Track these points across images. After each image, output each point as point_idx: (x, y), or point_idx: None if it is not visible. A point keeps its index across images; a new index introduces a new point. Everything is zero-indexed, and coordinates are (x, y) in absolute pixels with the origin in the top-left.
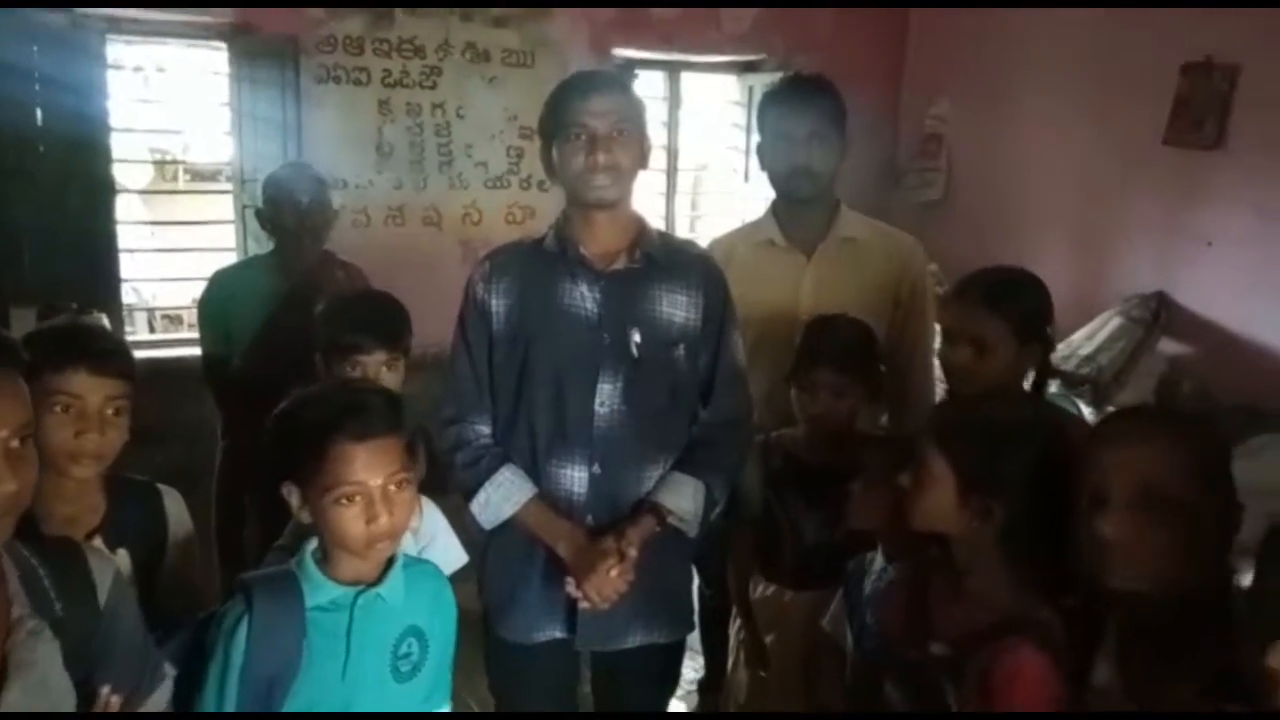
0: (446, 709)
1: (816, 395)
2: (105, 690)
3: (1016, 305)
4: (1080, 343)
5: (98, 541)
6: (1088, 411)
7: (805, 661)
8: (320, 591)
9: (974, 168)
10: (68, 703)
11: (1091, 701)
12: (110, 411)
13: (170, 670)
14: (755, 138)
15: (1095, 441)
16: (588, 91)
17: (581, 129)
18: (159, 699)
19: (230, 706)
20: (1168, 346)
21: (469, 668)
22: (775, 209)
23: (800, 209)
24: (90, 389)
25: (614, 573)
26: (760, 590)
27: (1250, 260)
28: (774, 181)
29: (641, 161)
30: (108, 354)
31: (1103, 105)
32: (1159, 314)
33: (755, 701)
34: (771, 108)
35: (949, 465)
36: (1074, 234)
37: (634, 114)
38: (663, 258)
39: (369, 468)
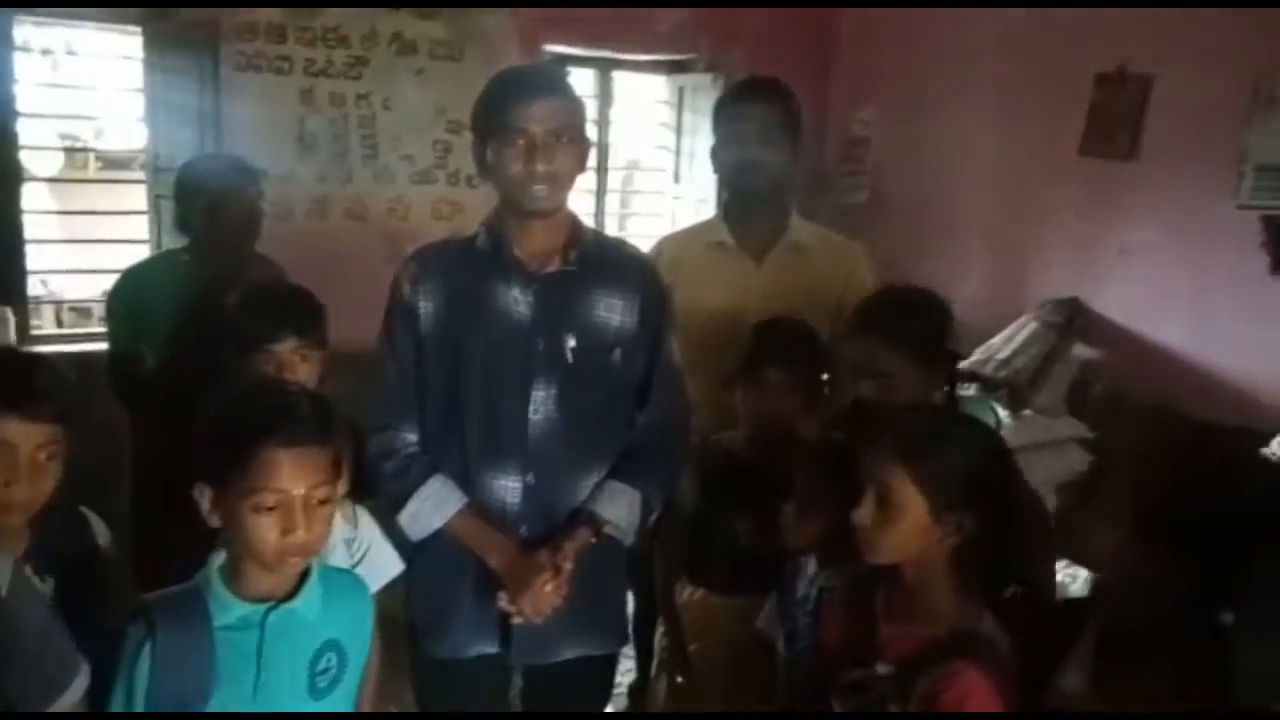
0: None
1: (763, 392)
2: None
3: (915, 333)
4: (998, 346)
5: (27, 570)
6: (1005, 414)
7: (730, 668)
8: (228, 610)
9: (898, 173)
10: None
11: (1058, 704)
12: (43, 457)
13: (84, 666)
14: (686, 139)
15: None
16: (530, 93)
17: (521, 134)
18: (70, 697)
19: None
20: (1081, 351)
21: (395, 675)
22: (727, 211)
23: (752, 212)
24: (20, 437)
25: (549, 587)
26: (687, 594)
27: (1160, 269)
28: (724, 179)
29: (581, 165)
30: (39, 396)
31: (1023, 113)
32: (1073, 319)
33: (674, 707)
34: (725, 107)
35: (920, 489)
36: (994, 240)
37: (576, 118)
38: (597, 259)
39: (293, 476)
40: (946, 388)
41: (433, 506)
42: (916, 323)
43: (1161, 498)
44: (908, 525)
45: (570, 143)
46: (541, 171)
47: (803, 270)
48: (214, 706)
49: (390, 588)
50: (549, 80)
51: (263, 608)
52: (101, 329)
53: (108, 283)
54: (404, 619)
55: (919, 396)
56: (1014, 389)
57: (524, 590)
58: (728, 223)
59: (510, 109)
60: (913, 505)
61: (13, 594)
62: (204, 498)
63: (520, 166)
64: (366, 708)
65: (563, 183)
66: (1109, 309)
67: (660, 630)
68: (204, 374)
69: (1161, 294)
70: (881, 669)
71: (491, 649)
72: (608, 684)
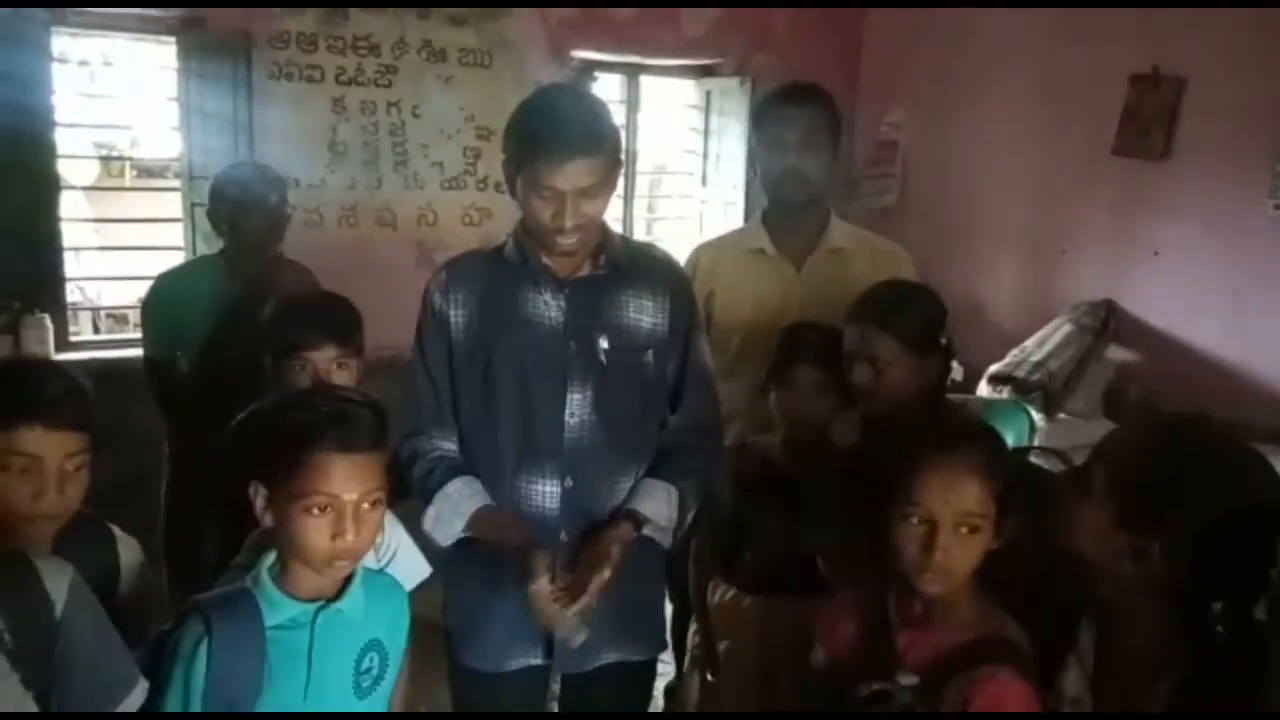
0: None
1: (796, 394)
2: None
3: (907, 321)
4: (1031, 349)
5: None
6: (1039, 418)
7: (760, 669)
8: (279, 610)
9: (928, 175)
10: (16, 703)
11: (1063, 709)
12: (71, 468)
13: (141, 678)
14: (713, 141)
15: None
16: (564, 153)
17: (551, 190)
18: (128, 708)
19: None
20: (1116, 353)
21: (430, 680)
22: (766, 217)
23: (791, 217)
24: (46, 447)
25: (573, 610)
26: (720, 595)
27: (1195, 269)
28: (766, 186)
29: (610, 196)
30: (63, 404)
31: (1055, 114)
32: (1108, 321)
33: (705, 708)
34: (766, 112)
35: (995, 503)
36: (1026, 241)
37: (611, 169)
38: (627, 263)
39: (347, 482)
40: (935, 385)
41: (451, 509)
42: (910, 310)
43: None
44: (983, 543)
45: (601, 190)
46: (570, 226)
47: (842, 274)
48: (265, 706)
49: (428, 595)
50: (585, 137)
51: (313, 607)
52: (138, 335)
53: (143, 289)
54: (443, 627)
55: (910, 385)
56: (1048, 392)
57: (561, 607)
58: (767, 228)
59: (543, 165)
60: (988, 521)
61: (71, 604)
62: (258, 496)
63: (548, 217)
64: (397, 709)
65: (591, 226)
66: (1144, 310)
67: (693, 629)
68: (239, 380)
69: (1197, 294)
70: (904, 679)
71: (530, 659)
72: (647, 690)
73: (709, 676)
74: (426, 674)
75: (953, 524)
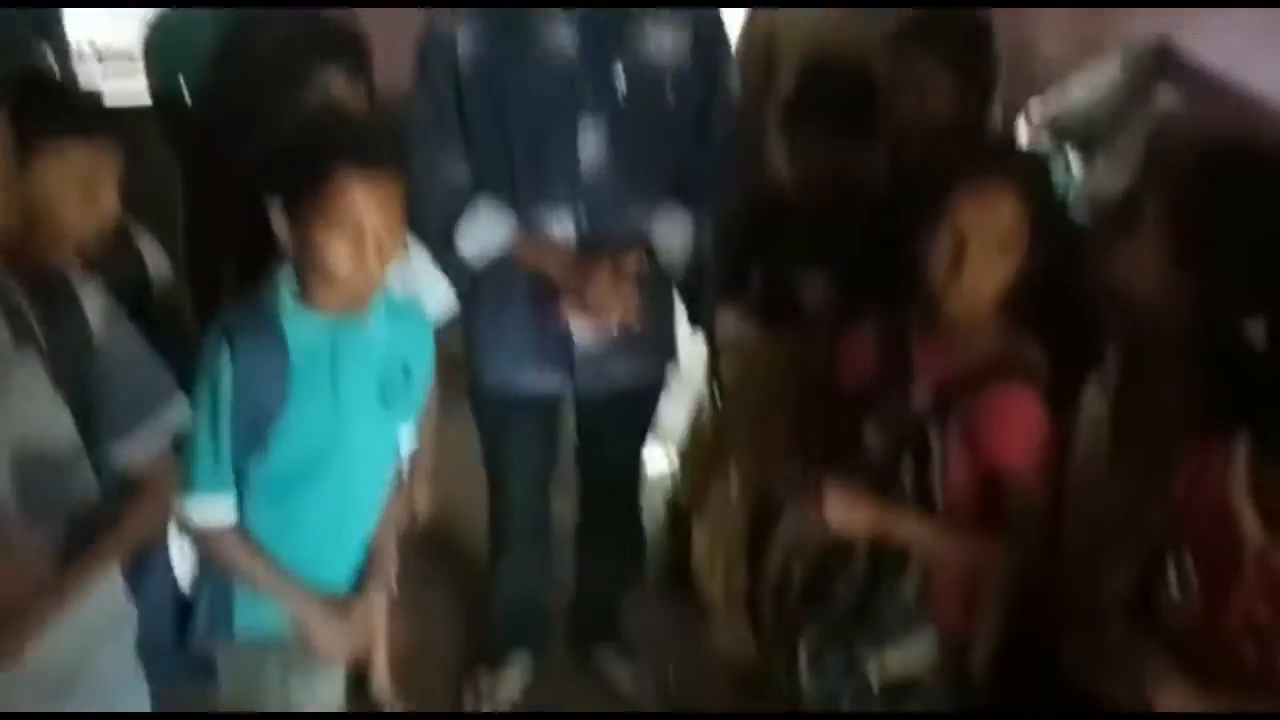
0: (413, 429)
1: (808, 149)
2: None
3: (954, 43)
4: (1074, 92)
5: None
6: (1077, 164)
7: (762, 400)
8: (300, 325)
9: None
10: (61, 423)
11: (1081, 431)
12: (103, 175)
13: (180, 394)
14: None
15: None
16: None
17: None
18: (169, 425)
19: (225, 445)
20: (1165, 98)
21: (448, 407)
22: None
23: None
24: (82, 157)
25: (609, 283)
26: (729, 325)
27: (1255, 14)
28: None
29: None
30: (90, 112)
31: None
32: (1158, 64)
33: (712, 442)
34: None
35: (1029, 224)
36: None
37: None
38: None
39: (368, 204)
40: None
41: (485, 226)
42: (956, 31)
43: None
44: (1013, 265)
45: None
46: None
47: None
48: (293, 417)
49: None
50: None
51: (334, 323)
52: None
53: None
54: (463, 354)
55: (956, 112)
56: (1088, 139)
57: (587, 286)
58: None
59: None
60: (1021, 242)
61: (106, 325)
62: (277, 214)
63: None
64: (427, 438)
65: None
66: (1198, 54)
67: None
68: (242, 113)
69: (1253, 40)
70: (919, 397)
71: (549, 379)
72: (654, 409)
73: (716, 406)
74: (457, 410)
75: (984, 242)
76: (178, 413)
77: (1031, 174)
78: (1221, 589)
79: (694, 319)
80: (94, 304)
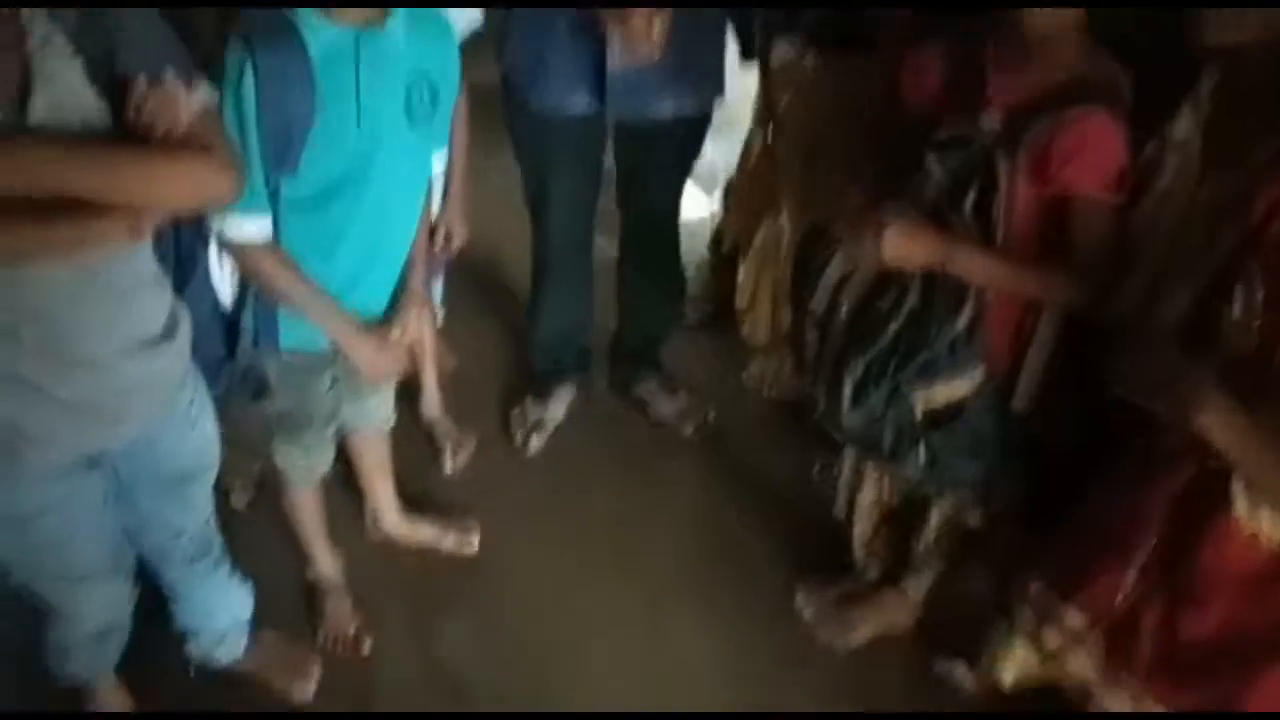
0: (443, 153)
1: None
2: (140, 80)
3: None
4: None
5: None
6: None
7: (814, 130)
8: (320, 36)
9: None
10: (97, 114)
11: (1169, 156)
12: None
13: (204, 79)
14: None
15: None
16: None
17: None
18: (195, 105)
19: (256, 160)
20: None
21: (488, 142)
22: None
23: None
24: None
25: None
26: (781, 52)
27: None
28: None
29: None
30: None
31: None
32: None
33: (761, 169)
34: None
35: None
36: None
37: None
38: None
39: None
40: None
41: None
42: None
43: None
44: None
45: None
46: None
47: None
48: (320, 128)
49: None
50: None
51: (354, 31)
52: None
53: None
54: (491, 85)
55: None
56: None
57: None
58: None
59: None
60: None
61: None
62: None
63: None
64: (460, 156)
65: None
66: None
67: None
68: None
69: None
70: (988, 123)
71: (587, 103)
72: (697, 147)
73: (768, 139)
74: (486, 135)
75: None
76: (199, 94)
77: None
78: None
79: (746, 52)
80: None
